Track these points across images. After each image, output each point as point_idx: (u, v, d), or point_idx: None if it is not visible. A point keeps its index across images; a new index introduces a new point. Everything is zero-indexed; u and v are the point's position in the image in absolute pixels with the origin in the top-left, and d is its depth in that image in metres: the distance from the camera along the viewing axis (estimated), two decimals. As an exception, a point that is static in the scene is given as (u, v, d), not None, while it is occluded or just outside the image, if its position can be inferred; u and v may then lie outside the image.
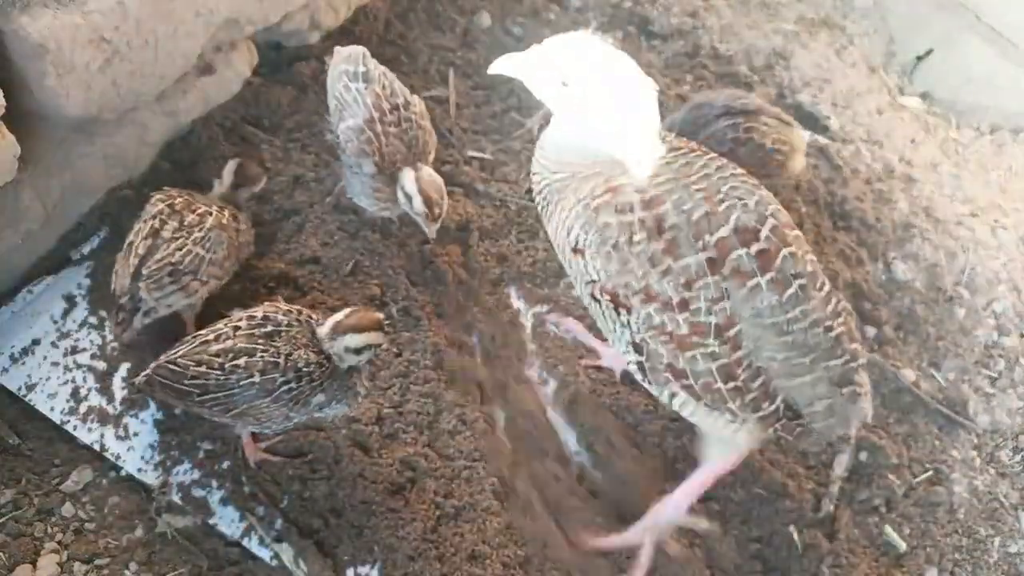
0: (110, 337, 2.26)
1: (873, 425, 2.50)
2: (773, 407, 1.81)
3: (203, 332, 1.94)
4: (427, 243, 2.51)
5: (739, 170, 1.94)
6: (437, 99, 2.97)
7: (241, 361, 1.86)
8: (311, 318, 1.96)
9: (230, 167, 2.32)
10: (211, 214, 2.15)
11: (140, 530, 2.03)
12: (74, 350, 2.24)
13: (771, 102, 3.38)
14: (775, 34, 3.68)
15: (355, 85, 2.32)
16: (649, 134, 1.89)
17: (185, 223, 2.11)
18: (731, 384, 1.78)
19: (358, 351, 1.90)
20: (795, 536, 2.21)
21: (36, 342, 2.24)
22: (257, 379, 1.86)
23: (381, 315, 1.94)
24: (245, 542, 2.03)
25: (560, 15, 3.45)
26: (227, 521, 2.05)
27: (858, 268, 2.84)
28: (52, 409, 2.16)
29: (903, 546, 2.29)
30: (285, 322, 1.92)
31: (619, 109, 1.85)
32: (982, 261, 3.01)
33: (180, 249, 2.07)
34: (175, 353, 1.91)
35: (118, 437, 2.13)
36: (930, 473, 2.45)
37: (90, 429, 2.14)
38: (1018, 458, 2.56)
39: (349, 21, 3.07)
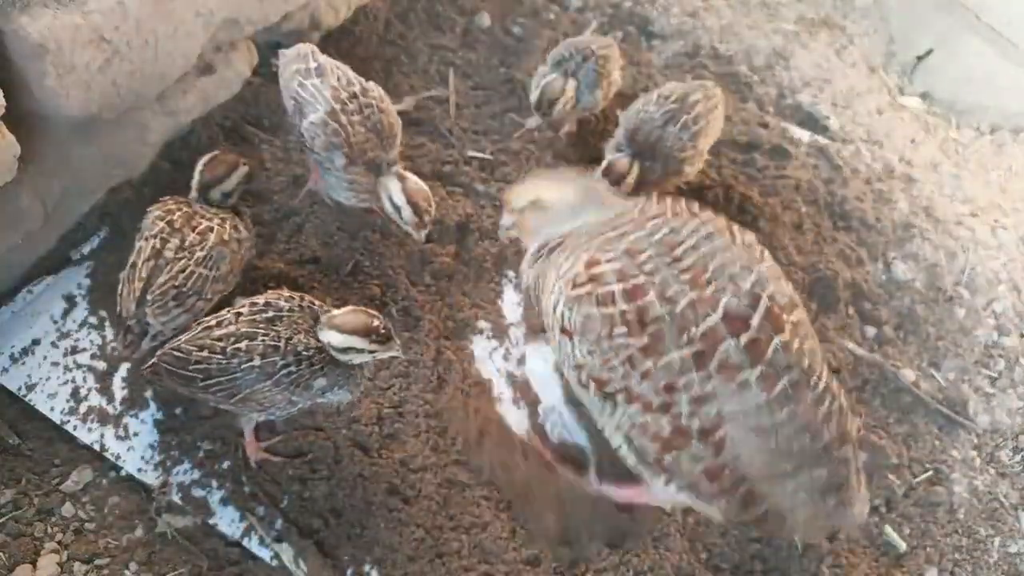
0: (110, 337, 2.26)
1: (873, 425, 2.50)
2: (759, 511, 1.72)
3: (206, 319, 1.96)
4: (429, 242, 2.51)
5: (735, 232, 1.82)
6: (437, 99, 2.97)
7: (242, 345, 1.87)
8: (314, 304, 1.97)
9: (198, 166, 2.23)
10: (212, 230, 2.12)
11: (140, 530, 2.03)
12: (74, 350, 2.25)
13: (771, 102, 3.39)
14: (775, 34, 3.69)
15: (310, 81, 2.33)
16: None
17: (186, 243, 2.08)
18: (716, 485, 1.70)
19: (342, 350, 1.90)
20: (795, 536, 2.21)
21: (36, 342, 2.25)
22: (258, 362, 1.87)
23: (378, 323, 1.88)
24: (245, 542, 2.03)
25: (560, 15, 3.45)
26: (227, 521, 2.05)
27: (858, 268, 2.84)
28: (52, 409, 2.16)
29: (903, 546, 2.29)
30: (287, 308, 1.93)
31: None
32: (982, 261, 3.01)
33: (183, 271, 2.05)
34: (179, 340, 1.93)
35: (118, 437, 2.14)
36: (930, 473, 2.45)
37: (90, 429, 2.14)
38: (1018, 458, 2.56)
39: (349, 21, 3.07)
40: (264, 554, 2.01)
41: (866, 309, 2.76)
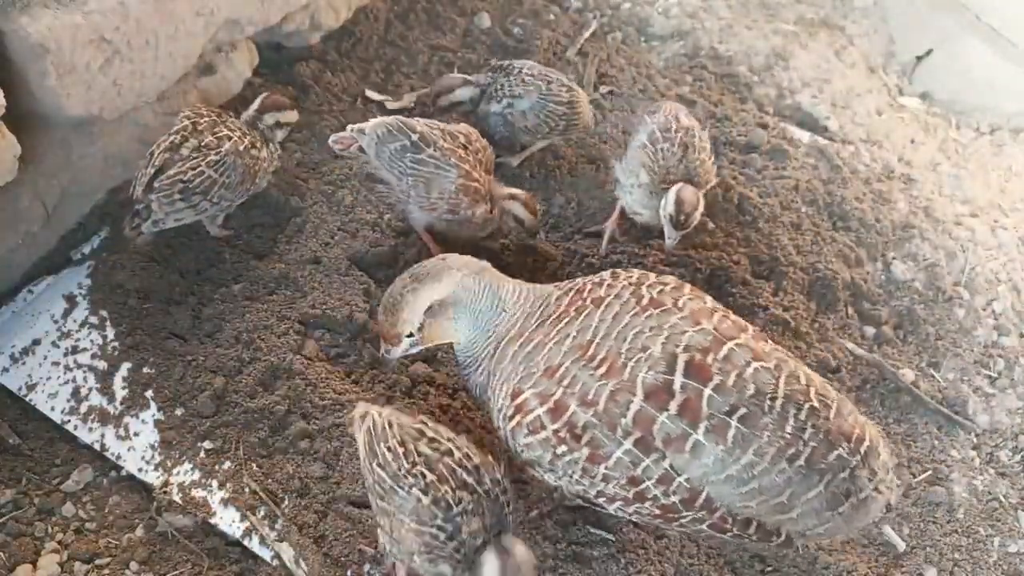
0: (111, 337, 2.27)
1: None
2: (781, 539, 1.71)
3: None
4: (436, 242, 2.51)
5: (634, 292, 1.74)
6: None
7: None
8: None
9: (260, 96, 2.42)
10: (230, 139, 2.25)
11: (140, 530, 2.03)
12: (75, 350, 2.25)
13: (771, 102, 3.39)
14: (775, 35, 3.69)
15: (425, 154, 2.32)
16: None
17: (203, 144, 2.23)
18: (728, 534, 1.69)
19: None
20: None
21: (37, 342, 2.25)
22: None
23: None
24: (245, 542, 2.03)
25: (560, 15, 3.45)
26: (227, 521, 2.05)
27: (857, 268, 2.84)
28: (53, 409, 2.16)
29: (902, 545, 2.29)
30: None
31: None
32: (982, 261, 3.01)
33: (193, 169, 2.21)
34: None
35: (118, 437, 2.14)
36: (929, 473, 2.45)
37: (91, 429, 2.14)
38: (1017, 458, 2.56)
39: (349, 22, 3.08)
40: (264, 554, 2.01)
41: (865, 309, 2.77)
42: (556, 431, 1.66)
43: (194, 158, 2.21)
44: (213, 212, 2.32)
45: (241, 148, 2.27)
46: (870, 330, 2.73)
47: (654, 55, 3.48)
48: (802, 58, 3.61)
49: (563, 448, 1.66)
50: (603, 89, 3.17)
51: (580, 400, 1.63)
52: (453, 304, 1.85)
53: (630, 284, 1.78)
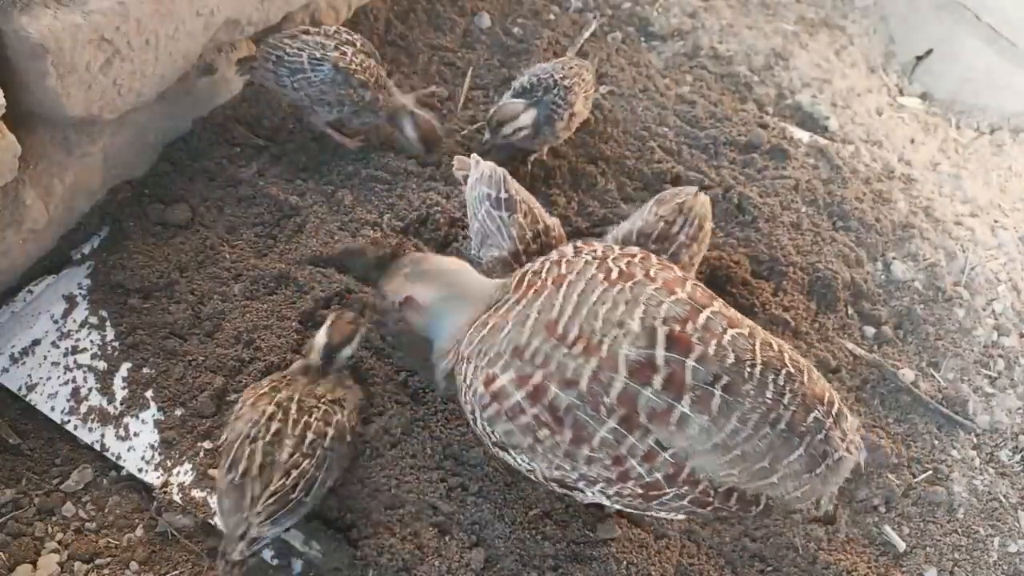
0: (110, 337, 2.27)
1: (872, 425, 2.51)
2: (760, 507, 1.71)
3: None
4: (444, 240, 2.51)
5: (599, 266, 1.71)
6: (438, 96, 2.99)
7: None
8: None
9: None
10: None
11: (140, 530, 2.03)
12: (74, 350, 2.25)
13: (771, 102, 3.39)
14: (775, 34, 3.69)
15: (498, 213, 2.25)
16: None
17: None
18: (709, 507, 1.68)
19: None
20: (794, 535, 2.21)
21: (36, 342, 2.25)
22: None
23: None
24: (245, 541, 2.03)
25: (560, 15, 3.46)
26: (227, 521, 2.05)
27: (857, 268, 2.85)
28: (52, 409, 2.16)
29: (902, 545, 2.29)
30: None
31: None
32: (982, 261, 3.01)
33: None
34: None
35: (118, 437, 2.14)
36: (929, 473, 2.45)
37: (90, 429, 2.14)
38: (1017, 458, 2.56)
39: (349, 22, 3.08)
40: (265, 554, 2.01)
41: (865, 309, 2.77)
42: (537, 416, 1.63)
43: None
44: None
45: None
46: (870, 330, 2.73)
47: (654, 55, 3.48)
48: (802, 58, 3.61)
49: (545, 432, 1.64)
50: (603, 89, 3.17)
51: (560, 381, 1.60)
52: (428, 308, 1.89)
53: (594, 258, 1.75)
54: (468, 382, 1.74)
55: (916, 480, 2.43)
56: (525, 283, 1.77)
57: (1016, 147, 3.52)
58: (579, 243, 1.86)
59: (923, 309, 2.81)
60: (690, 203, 2.31)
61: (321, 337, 2.05)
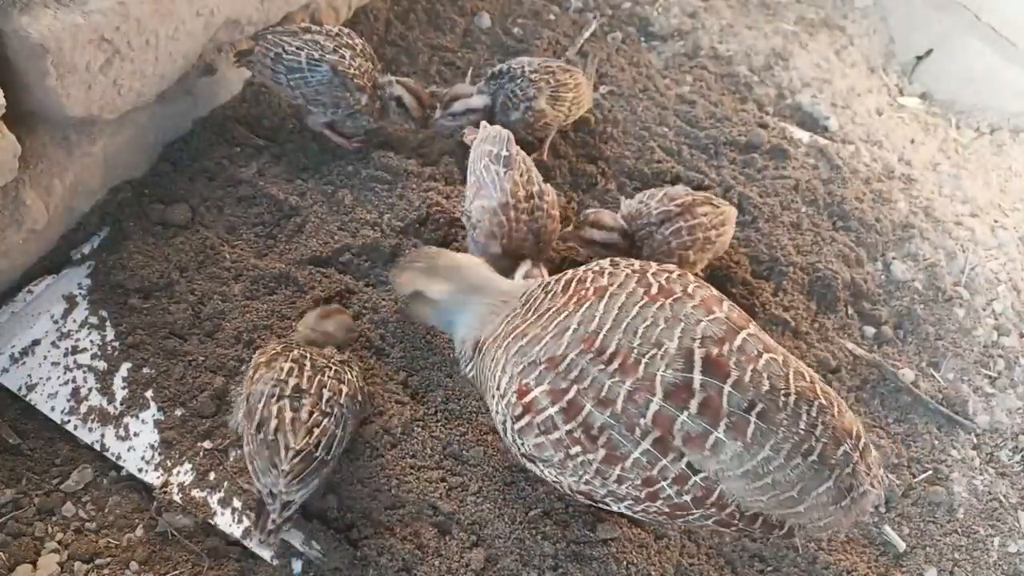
0: (110, 337, 2.27)
1: (872, 425, 2.51)
2: (783, 532, 1.72)
3: None
4: (444, 240, 2.52)
5: (640, 280, 1.71)
6: (438, 95, 2.98)
7: None
8: None
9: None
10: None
11: (140, 530, 2.03)
12: (74, 350, 2.25)
13: (771, 102, 3.39)
14: (775, 34, 3.69)
15: (495, 167, 2.31)
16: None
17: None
18: (733, 528, 1.69)
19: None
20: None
21: (36, 342, 2.25)
22: None
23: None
24: (245, 542, 2.03)
25: (560, 15, 3.46)
26: (227, 521, 2.05)
27: (857, 268, 2.85)
28: (52, 409, 2.16)
29: (902, 545, 2.29)
30: None
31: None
32: (982, 261, 3.01)
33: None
34: None
35: (118, 437, 2.14)
36: (929, 473, 2.45)
37: (90, 429, 2.14)
38: (1017, 458, 2.56)
39: (349, 22, 3.09)
40: (264, 554, 2.01)
41: (865, 309, 2.77)
42: (570, 432, 1.61)
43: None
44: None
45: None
46: (870, 330, 2.73)
47: (654, 55, 3.48)
48: (802, 58, 3.61)
49: (577, 449, 1.63)
50: (603, 89, 3.17)
51: (595, 398, 1.58)
52: (434, 305, 1.91)
53: (633, 272, 1.75)
54: (502, 391, 1.73)
55: (916, 480, 2.43)
56: (565, 291, 1.76)
57: (1016, 147, 3.52)
58: (617, 259, 1.85)
59: (923, 309, 2.81)
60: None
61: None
